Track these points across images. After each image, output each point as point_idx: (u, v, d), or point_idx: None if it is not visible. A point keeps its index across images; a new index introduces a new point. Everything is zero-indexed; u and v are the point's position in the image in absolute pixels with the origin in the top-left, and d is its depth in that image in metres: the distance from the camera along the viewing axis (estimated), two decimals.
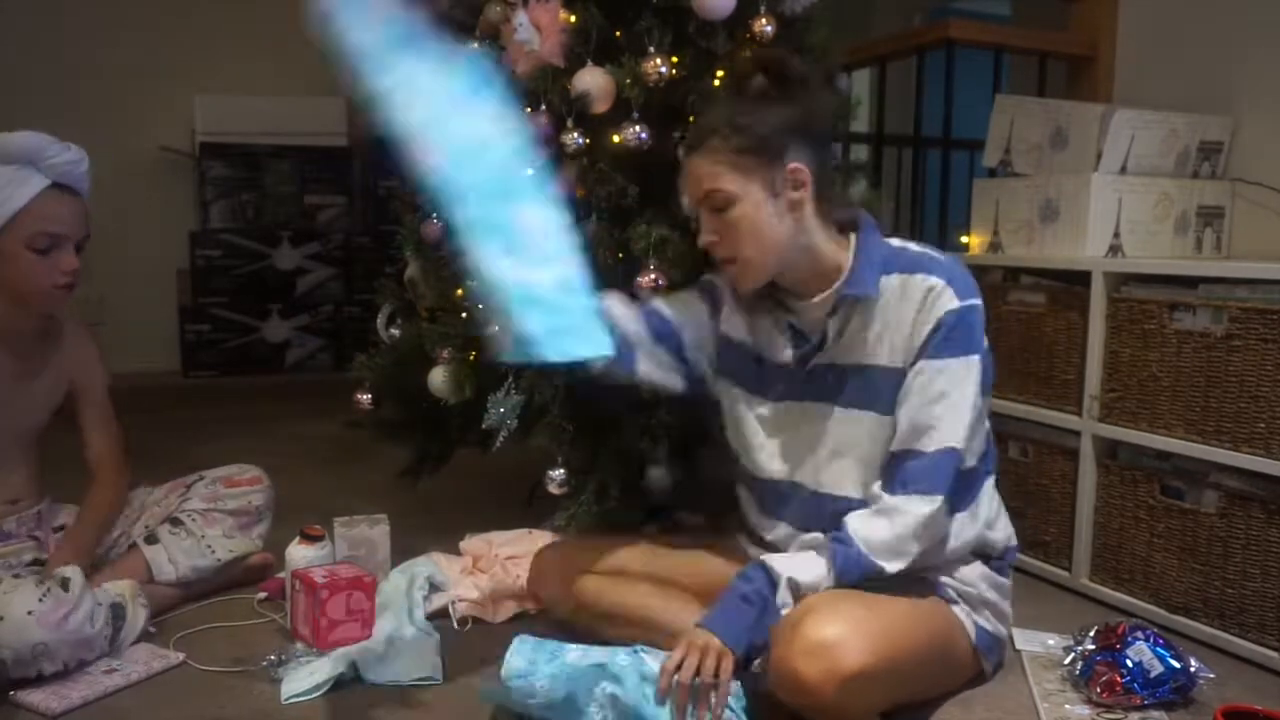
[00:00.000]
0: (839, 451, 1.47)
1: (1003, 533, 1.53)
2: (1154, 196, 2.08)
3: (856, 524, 1.37)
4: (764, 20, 1.91)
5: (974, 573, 1.48)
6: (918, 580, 1.44)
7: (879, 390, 1.42)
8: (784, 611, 1.33)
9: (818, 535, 1.41)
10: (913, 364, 1.40)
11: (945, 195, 2.79)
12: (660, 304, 1.61)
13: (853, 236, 1.46)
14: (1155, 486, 1.83)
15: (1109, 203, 2.02)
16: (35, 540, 1.74)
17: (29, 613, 1.43)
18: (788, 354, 1.51)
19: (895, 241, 1.47)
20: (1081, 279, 1.94)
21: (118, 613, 1.58)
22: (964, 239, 2.32)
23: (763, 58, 1.43)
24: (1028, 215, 2.14)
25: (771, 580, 1.34)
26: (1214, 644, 1.71)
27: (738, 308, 1.58)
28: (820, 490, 1.49)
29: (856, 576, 1.35)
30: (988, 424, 1.52)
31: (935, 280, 1.39)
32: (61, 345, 1.76)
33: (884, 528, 1.36)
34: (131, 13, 4.08)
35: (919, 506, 1.36)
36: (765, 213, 1.38)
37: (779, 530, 1.56)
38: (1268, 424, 1.64)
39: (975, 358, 1.39)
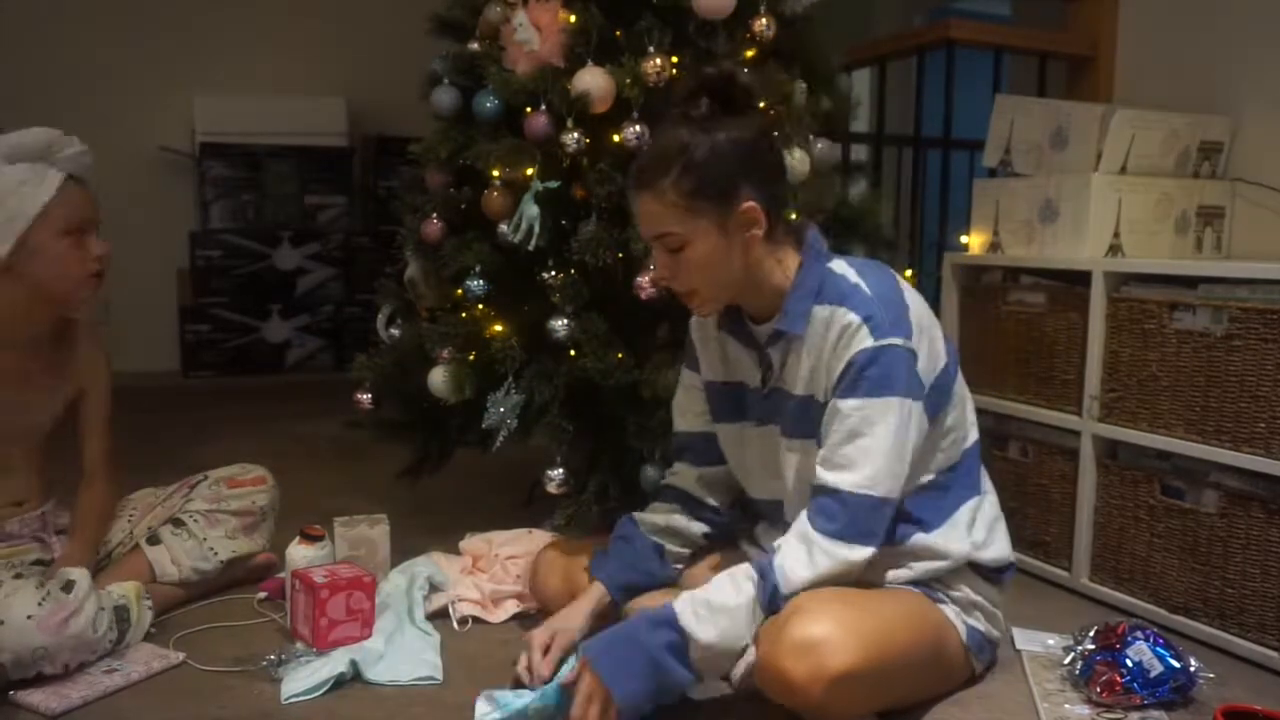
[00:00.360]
0: (792, 478, 1.47)
1: (996, 554, 1.50)
2: (1154, 196, 2.08)
3: (781, 559, 1.34)
4: (764, 20, 1.92)
5: (962, 578, 1.48)
6: (905, 582, 1.44)
7: (816, 421, 1.40)
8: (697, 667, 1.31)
9: (746, 566, 1.36)
10: (827, 401, 1.38)
11: (945, 195, 2.79)
12: (685, 437, 1.65)
13: (796, 261, 1.43)
14: (1155, 486, 1.83)
15: (1109, 203, 2.02)
16: (40, 542, 1.74)
17: (29, 617, 1.43)
18: (756, 376, 1.52)
19: (836, 265, 1.42)
20: (1081, 279, 1.94)
21: (122, 615, 1.58)
22: (964, 239, 2.32)
23: (707, 80, 1.38)
24: (1028, 215, 2.14)
25: (683, 640, 1.30)
26: (1214, 644, 1.71)
27: (710, 344, 1.59)
28: (787, 506, 1.50)
29: (780, 604, 1.32)
30: (972, 438, 1.50)
31: (853, 317, 1.34)
32: (75, 348, 1.76)
33: (804, 566, 1.32)
34: (131, 13, 4.09)
35: (840, 550, 1.32)
36: (718, 251, 1.37)
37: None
38: (1268, 424, 1.64)
39: (893, 399, 1.33)
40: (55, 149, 1.60)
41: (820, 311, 1.39)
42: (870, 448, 1.33)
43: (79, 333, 1.78)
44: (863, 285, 1.38)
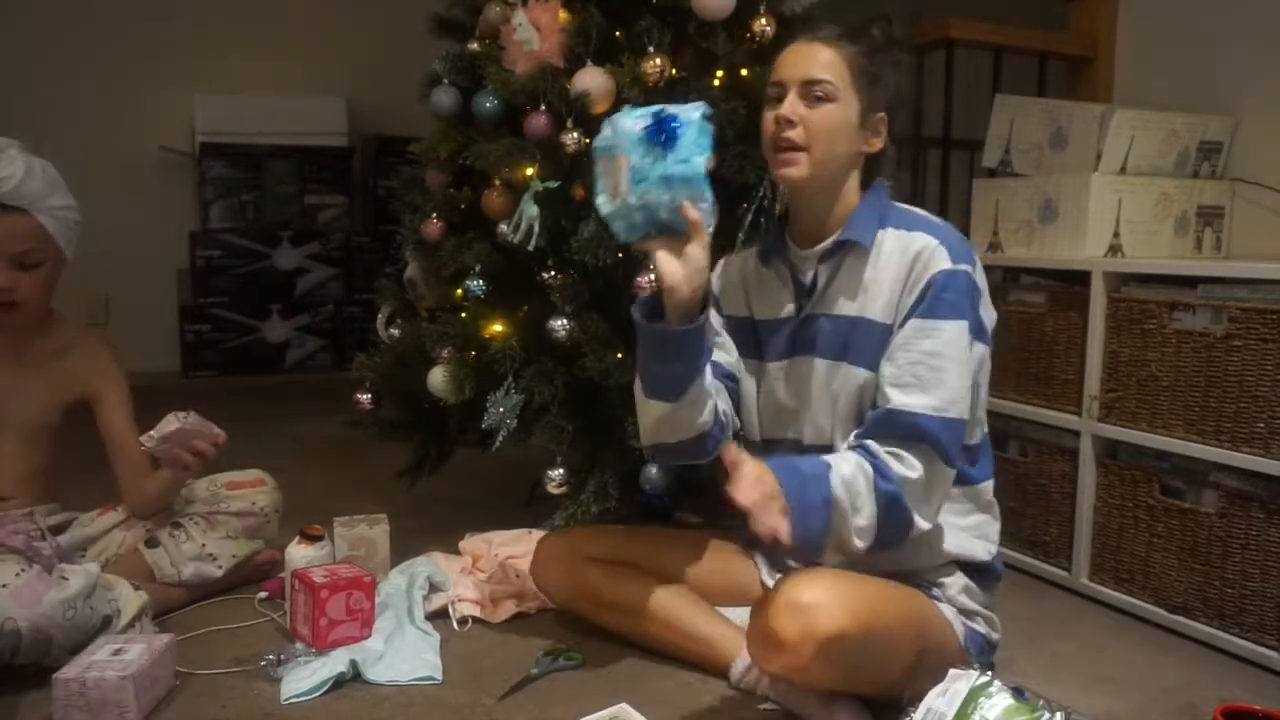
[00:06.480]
0: (826, 406, 1.45)
1: (989, 546, 1.49)
2: (1154, 196, 2.08)
3: (890, 461, 1.31)
4: (764, 20, 1.92)
5: (956, 583, 1.47)
6: (905, 577, 1.43)
7: (866, 344, 1.41)
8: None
9: (852, 456, 1.32)
10: (901, 322, 1.38)
11: (945, 195, 2.79)
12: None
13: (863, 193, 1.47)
14: (1155, 486, 1.83)
15: (1109, 203, 2.02)
16: (18, 552, 1.72)
17: (3, 585, 1.43)
18: (790, 307, 1.50)
19: (900, 204, 1.48)
20: (1081, 279, 1.94)
21: (106, 623, 1.56)
22: None
23: (878, 16, 1.46)
24: (1028, 215, 2.14)
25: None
26: (1214, 644, 1.71)
27: (733, 279, 1.57)
28: (806, 444, 1.47)
29: (894, 522, 1.30)
30: (984, 432, 1.50)
31: (929, 240, 1.38)
32: (68, 351, 1.76)
33: (905, 466, 1.30)
34: (131, 13, 4.09)
35: (925, 463, 1.31)
36: (848, 127, 1.41)
37: None
38: (1267, 424, 1.64)
39: (965, 323, 1.37)
40: None
41: (886, 234, 1.42)
42: (946, 368, 1.34)
43: (70, 334, 1.77)
44: (932, 218, 1.45)
